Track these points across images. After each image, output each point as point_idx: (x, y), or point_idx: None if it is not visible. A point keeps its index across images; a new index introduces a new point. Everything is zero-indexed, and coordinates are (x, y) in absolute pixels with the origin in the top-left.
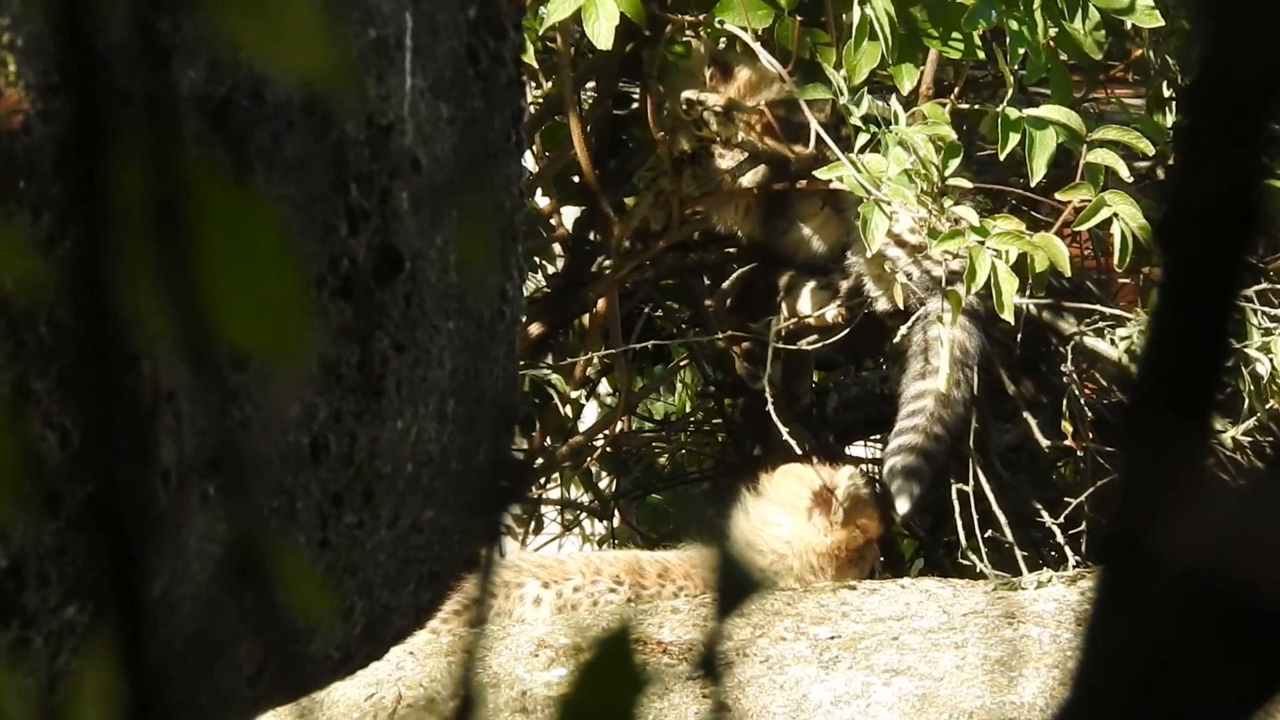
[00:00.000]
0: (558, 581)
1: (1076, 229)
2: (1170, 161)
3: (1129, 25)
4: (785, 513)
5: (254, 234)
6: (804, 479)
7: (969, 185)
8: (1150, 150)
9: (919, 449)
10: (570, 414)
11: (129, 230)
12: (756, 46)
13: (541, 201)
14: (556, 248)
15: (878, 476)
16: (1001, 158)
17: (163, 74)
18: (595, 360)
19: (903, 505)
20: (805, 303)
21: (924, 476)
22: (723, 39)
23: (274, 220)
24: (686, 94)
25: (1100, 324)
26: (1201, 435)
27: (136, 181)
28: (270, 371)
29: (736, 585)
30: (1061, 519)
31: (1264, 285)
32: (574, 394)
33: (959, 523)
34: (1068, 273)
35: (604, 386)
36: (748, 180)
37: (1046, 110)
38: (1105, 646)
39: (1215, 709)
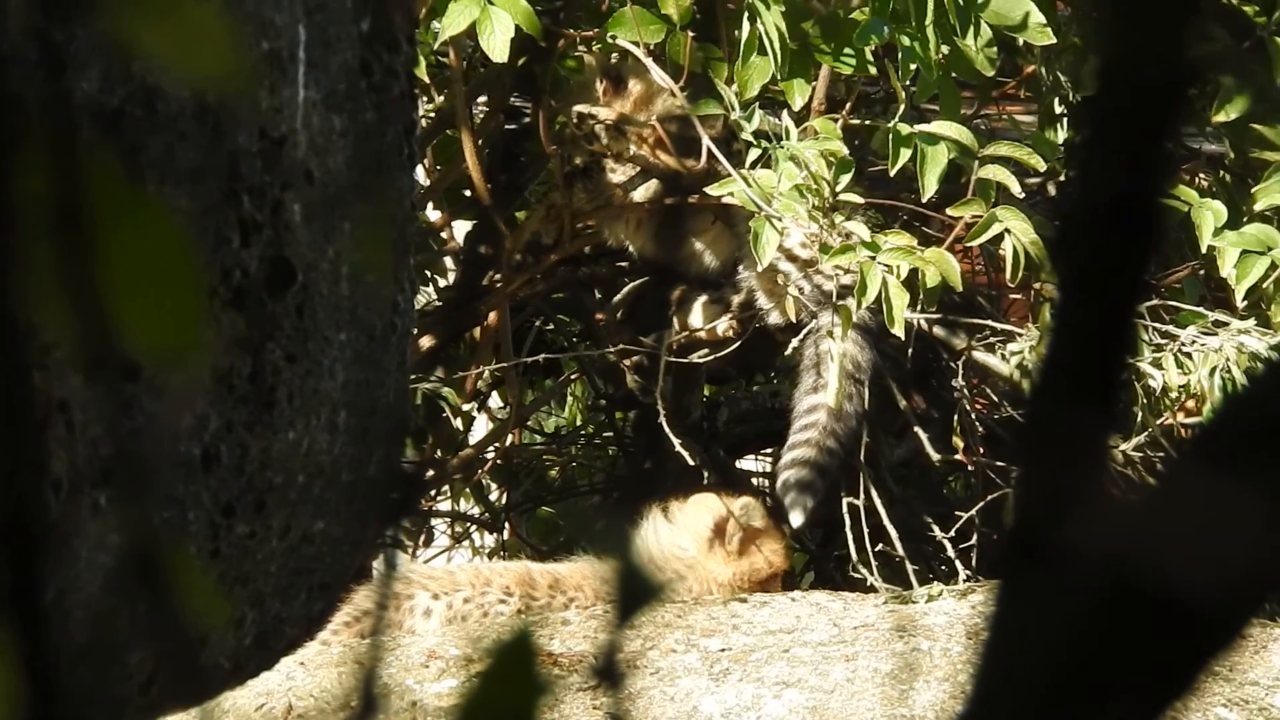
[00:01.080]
0: (448, 593)
1: (968, 244)
2: (1062, 177)
3: (1021, 42)
4: (691, 540)
5: (153, 238)
6: (711, 509)
7: (860, 200)
8: (1041, 166)
9: (812, 462)
10: (461, 427)
11: (29, 236)
12: (649, 61)
13: (433, 215)
14: (448, 261)
15: (768, 490)
16: (893, 173)
17: (58, 83)
18: (486, 373)
19: (796, 518)
20: (697, 316)
21: (817, 490)
22: (615, 54)
23: (172, 225)
24: (578, 108)
25: (991, 339)
26: (1105, 428)
27: (38, 187)
28: (163, 382)
29: (635, 594)
30: (952, 533)
31: (1156, 302)
32: (465, 406)
33: (850, 536)
34: (959, 288)
35: (495, 400)
36: (639, 195)
37: (938, 126)
38: (1010, 644)
39: (1125, 706)
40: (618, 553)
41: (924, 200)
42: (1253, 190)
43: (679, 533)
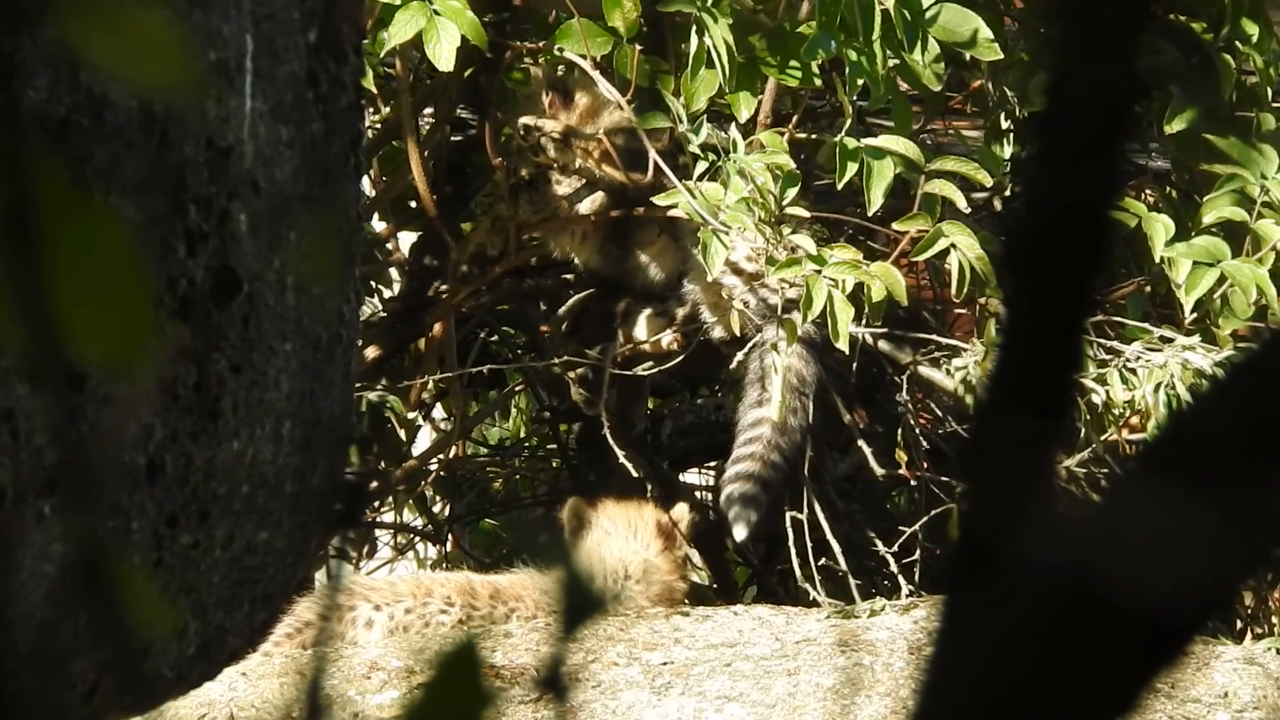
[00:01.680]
0: (389, 604)
1: (914, 259)
2: (1008, 192)
3: (968, 57)
4: (648, 542)
5: (100, 246)
6: (648, 514)
7: (806, 214)
8: (988, 181)
9: (756, 476)
10: (405, 437)
11: None
12: (595, 74)
13: (379, 226)
14: (393, 272)
15: (711, 503)
16: (839, 187)
17: (5, 91)
18: (431, 384)
19: (740, 532)
20: (641, 329)
21: (761, 504)
22: (562, 66)
23: (119, 233)
24: (524, 120)
25: (936, 354)
26: (1052, 439)
27: None
28: (108, 391)
29: (580, 605)
30: (895, 548)
31: (1101, 317)
32: (410, 415)
33: (793, 550)
34: (904, 302)
35: (439, 411)
36: (585, 208)
37: (885, 140)
38: (955, 656)
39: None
40: (562, 564)
41: (870, 214)
42: (1201, 203)
43: (633, 536)
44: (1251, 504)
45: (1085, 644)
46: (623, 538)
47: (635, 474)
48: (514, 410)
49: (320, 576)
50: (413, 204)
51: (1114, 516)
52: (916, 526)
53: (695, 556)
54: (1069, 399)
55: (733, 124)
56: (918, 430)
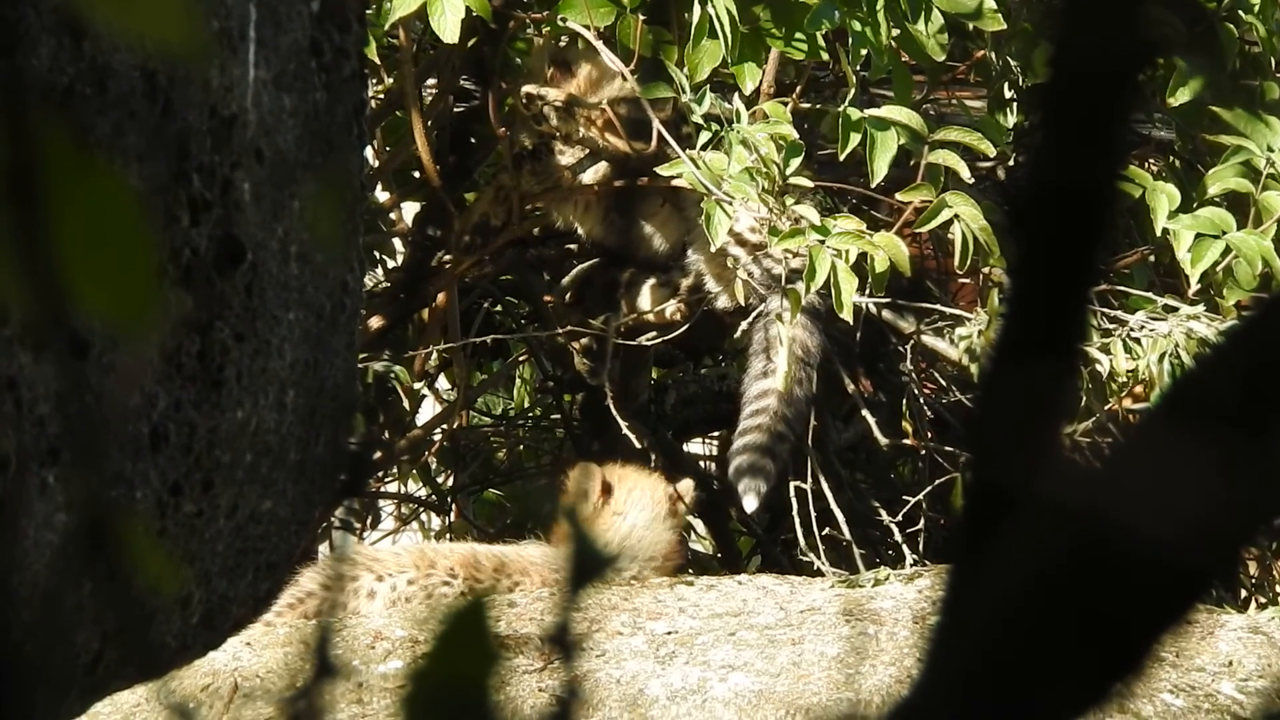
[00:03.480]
0: (391, 575)
1: (917, 229)
2: (1012, 162)
3: (971, 27)
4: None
5: (106, 210)
6: (656, 485)
7: (810, 184)
8: (991, 152)
9: (763, 448)
10: (409, 408)
11: None
12: (599, 44)
13: (382, 196)
14: (397, 242)
15: (717, 474)
16: (842, 157)
17: (9, 60)
18: (434, 355)
19: (750, 504)
20: (645, 299)
21: (769, 475)
22: (565, 36)
23: (125, 196)
24: (526, 88)
25: (940, 324)
26: (1061, 387)
27: None
28: (111, 360)
29: (588, 562)
30: (899, 517)
31: (1105, 286)
32: (415, 385)
33: (797, 520)
34: (908, 272)
35: (442, 382)
36: (588, 177)
37: (888, 111)
38: (965, 612)
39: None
40: (570, 521)
41: (873, 185)
42: (1205, 175)
43: (636, 507)
44: (1260, 454)
45: (1095, 596)
46: (652, 519)
47: (638, 444)
48: (517, 380)
49: (324, 548)
50: (416, 174)
51: (1124, 466)
52: (921, 496)
53: (700, 527)
54: (1075, 352)
55: (736, 94)
56: (922, 400)
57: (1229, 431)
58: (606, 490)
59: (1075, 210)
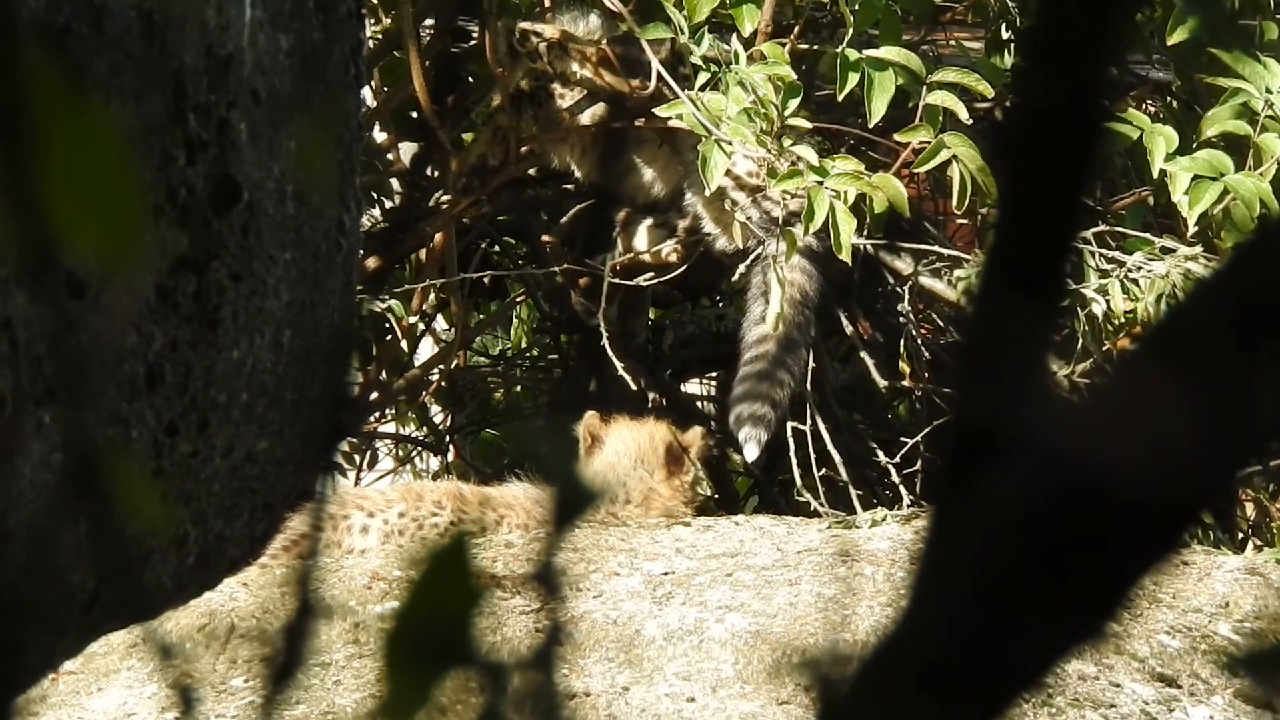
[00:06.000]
0: (382, 510)
1: (915, 170)
2: (1009, 103)
3: None
4: (653, 468)
5: (95, 147)
6: (657, 435)
7: (808, 125)
8: (989, 93)
9: (763, 395)
10: (406, 348)
11: None
12: None
13: (379, 136)
14: (394, 182)
15: (717, 419)
16: (840, 98)
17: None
18: (432, 295)
19: (751, 452)
20: (641, 239)
21: (770, 423)
22: None
23: (113, 133)
24: (521, 24)
25: (938, 264)
26: (1047, 321)
27: None
28: (106, 300)
29: (573, 498)
30: (897, 458)
31: (1102, 227)
32: (412, 320)
33: (794, 461)
34: (906, 213)
35: (440, 322)
36: (585, 118)
37: (886, 52)
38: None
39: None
40: (557, 457)
41: (871, 126)
42: (1203, 117)
43: (640, 461)
44: (1243, 392)
45: (1078, 532)
46: (630, 462)
47: (635, 385)
48: (515, 321)
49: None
50: (413, 114)
51: (1109, 402)
52: (918, 437)
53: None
54: (1061, 289)
55: (734, 35)
56: (919, 340)
57: (1213, 368)
58: (594, 439)
59: (1061, 139)
